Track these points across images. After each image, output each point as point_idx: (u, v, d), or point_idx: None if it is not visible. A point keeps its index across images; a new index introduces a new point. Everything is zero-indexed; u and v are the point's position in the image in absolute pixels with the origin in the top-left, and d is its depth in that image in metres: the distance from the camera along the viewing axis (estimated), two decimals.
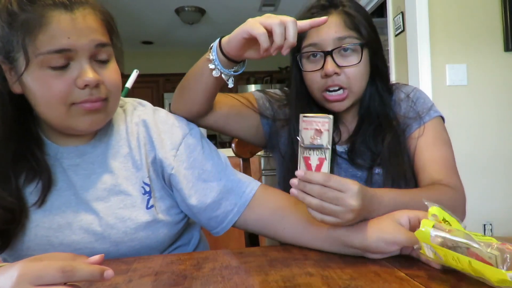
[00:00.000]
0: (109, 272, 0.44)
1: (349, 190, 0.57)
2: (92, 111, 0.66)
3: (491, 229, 2.17)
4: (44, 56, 0.61)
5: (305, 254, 0.66)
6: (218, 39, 0.72)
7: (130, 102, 0.82)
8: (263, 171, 4.37)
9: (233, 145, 1.14)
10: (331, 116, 0.60)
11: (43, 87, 0.63)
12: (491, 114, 2.19)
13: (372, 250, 0.61)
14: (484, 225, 2.17)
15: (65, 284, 0.43)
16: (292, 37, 0.62)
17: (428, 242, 0.53)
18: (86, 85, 0.64)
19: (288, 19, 0.63)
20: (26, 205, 0.69)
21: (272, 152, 1.00)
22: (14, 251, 0.70)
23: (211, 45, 0.73)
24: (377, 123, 0.89)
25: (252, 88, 5.17)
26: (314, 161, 0.60)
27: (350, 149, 0.90)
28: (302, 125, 0.61)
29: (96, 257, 0.47)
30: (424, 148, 0.85)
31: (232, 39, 0.68)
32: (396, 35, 2.43)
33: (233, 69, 0.72)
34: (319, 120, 0.60)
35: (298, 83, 0.91)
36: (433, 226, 0.53)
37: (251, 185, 0.78)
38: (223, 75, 0.72)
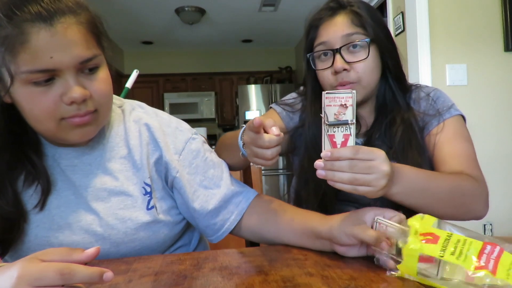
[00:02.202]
0: (108, 274, 0.44)
1: (379, 157, 0.59)
2: (82, 125, 0.65)
3: (491, 229, 2.17)
4: (27, 75, 0.59)
5: (305, 254, 0.66)
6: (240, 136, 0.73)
7: (128, 102, 0.82)
8: (263, 171, 4.37)
9: None
10: (354, 91, 0.60)
11: (30, 103, 0.61)
12: (491, 114, 2.19)
13: (336, 241, 0.63)
14: (484, 225, 2.17)
15: (63, 286, 0.42)
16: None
17: (414, 275, 0.53)
18: (72, 102, 0.62)
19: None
20: (25, 211, 0.69)
21: (292, 155, 1.02)
22: (15, 251, 0.70)
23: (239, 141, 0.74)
24: (391, 117, 0.91)
25: (252, 88, 5.17)
26: (339, 138, 0.61)
27: (366, 142, 0.93)
28: (325, 102, 0.61)
29: (92, 250, 0.46)
30: (444, 143, 0.87)
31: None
32: (396, 35, 2.42)
33: None
34: (342, 96, 0.60)
35: (312, 83, 0.95)
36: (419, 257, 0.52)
37: (248, 194, 0.80)
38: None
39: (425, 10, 2.13)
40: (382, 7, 2.69)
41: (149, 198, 0.74)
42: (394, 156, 0.87)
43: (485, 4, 2.18)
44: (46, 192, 0.69)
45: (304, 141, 0.94)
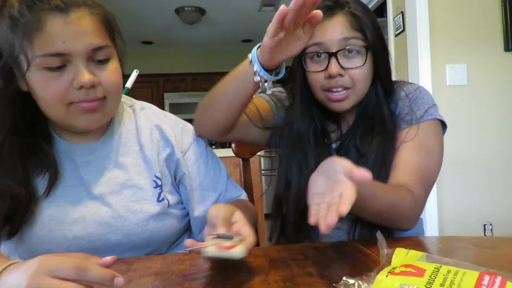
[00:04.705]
0: (119, 279, 0.46)
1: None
2: (90, 110, 0.68)
3: (491, 229, 2.17)
4: (41, 59, 0.63)
5: (305, 254, 0.66)
6: (255, 49, 0.73)
7: (138, 102, 0.87)
8: (263, 171, 4.37)
9: (233, 145, 1.14)
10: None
11: (42, 88, 0.65)
12: (491, 114, 2.19)
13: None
14: (484, 225, 2.17)
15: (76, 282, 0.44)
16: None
17: None
18: (81, 86, 0.65)
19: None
20: (36, 195, 0.72)
21: (275, 150, 0.99)
22: (30, 245, 0.72)
23: (249, 57, 0.74)
24: (370, 123, 0.87)
25: None
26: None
27: (339, 146, 0.90)
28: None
29: (108, 258, 0.49)
30: (405, 149, 0.82)
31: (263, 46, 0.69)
32: (396, 35, 2.43)
33: (273, 73, 0.74)
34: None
35: (302, 83, 0.90)
36: None
37: (234, 197, 0.85)
38: (266, 82, 0.73)
39: (425, 10, 2.13)
40: (382, 7, 2.69)
41: (160, 190, 0.78)
42: (363, 164, 0.81)
43: (485, 4, 2.18)
44: (53, 179, 0.72)
45: (288, 142, 0.90)
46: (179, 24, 4.70)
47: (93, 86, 0.66)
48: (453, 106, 2.16)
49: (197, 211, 0.82)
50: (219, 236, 0.55)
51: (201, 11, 4.34)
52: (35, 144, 0.72)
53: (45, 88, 0.65)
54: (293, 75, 0.92)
